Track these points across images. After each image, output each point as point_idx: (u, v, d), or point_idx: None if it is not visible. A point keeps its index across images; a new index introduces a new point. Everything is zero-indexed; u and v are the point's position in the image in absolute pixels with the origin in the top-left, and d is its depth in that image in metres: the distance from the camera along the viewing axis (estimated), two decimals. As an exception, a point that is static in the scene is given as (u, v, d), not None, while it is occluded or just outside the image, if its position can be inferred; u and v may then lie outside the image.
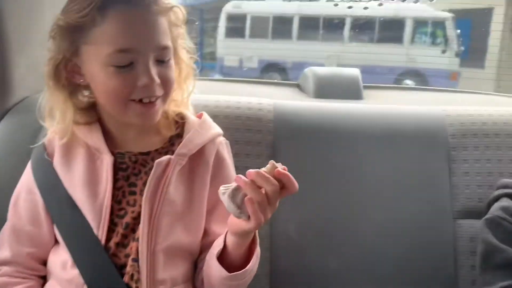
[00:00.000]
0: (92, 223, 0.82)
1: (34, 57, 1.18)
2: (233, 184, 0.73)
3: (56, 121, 0.86)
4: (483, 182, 1.13)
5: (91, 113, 0.89)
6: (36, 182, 0.87)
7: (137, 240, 0.81)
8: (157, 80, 0.79)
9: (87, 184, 0.84)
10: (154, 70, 0.79)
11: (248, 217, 0.71)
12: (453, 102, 1.37)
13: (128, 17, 0.78)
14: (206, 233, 0.89)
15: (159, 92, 0.81)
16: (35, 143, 0.95)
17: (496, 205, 1.03)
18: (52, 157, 0.88)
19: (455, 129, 1.16)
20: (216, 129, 0.94)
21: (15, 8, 1.14)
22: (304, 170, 1.14)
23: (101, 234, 0.82)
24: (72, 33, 0.79)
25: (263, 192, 0.71)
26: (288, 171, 1.14)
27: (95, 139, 0.86)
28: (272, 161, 0.74)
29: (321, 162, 1.15)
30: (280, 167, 0.73)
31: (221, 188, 0.74)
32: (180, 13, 0.86)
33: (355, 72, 1.51)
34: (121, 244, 0.83)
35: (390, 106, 1.28)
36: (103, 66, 0.78)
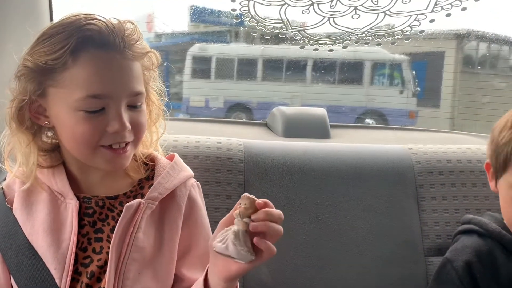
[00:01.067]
0: (55, 273, 0.77)
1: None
2: (229, 230, 0.69)
3: (17, 165, 0.82)
4: (450, 218, 1.16)
5: (55, 155, 0.85)
6: None
7: None
8: (128, 126, 0.77)
9: (49, 231, 0.79)
10: (125, 116, 0.77)
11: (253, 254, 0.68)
12: (414, 140, 1.41)
13: (101, 62, 0.75)
14: (178, 279, 0.85)
15: (129, 138, 0.78)
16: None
17: (453, 245, 1.04)
18: (11, 203, 0.83)
19: (422, 167, 1.19)
20: (188, 171, 0.92)
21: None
22: (276, 210, 1.13)
23: (64, 284, 0.76)
24: (40, 75, 0.75)
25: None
26: (260, 211, 1.14)
27: (59, 182, 0.82)
28: (246, 194, 0.70)
29: (291, 202, 1.14)
30: (252, 197, 0.70)
31: (218, 240, 0.69)
32: (154, 57, 0.85)
33: (321, 111, 1.54)
34: None
35: (357, 145, 1.30)
36: (72, 110, 0.75)
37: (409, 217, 1.15)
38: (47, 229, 0.79)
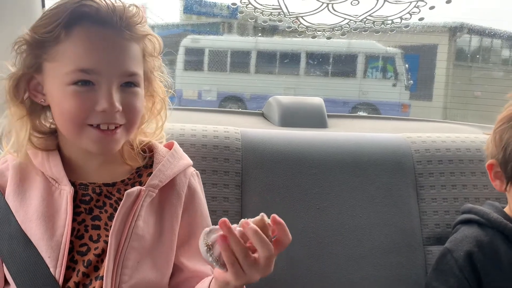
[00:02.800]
0: (49, 262, 0.74)
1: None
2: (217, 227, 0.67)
3: (11, 142, 0.80)
4: (450, 207, 1.15)
5: (51, 139, 0.82)
6: None
7: (101, 278, 0.74)
8: (118, 107, 0.74)
9: (43, 218, 0.76)
10: (116, 96, 0.74)
11: (225, 268, 0.65)
12: (410, 131, 1.40)
13: (94, 37, 0.74)
14: (178, 268, 0.83)
15: (120, 120, 0.76)
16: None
17: (453, 235, 1.03)
18: (3, 190, 0.80)
19: (421, 155, 1.18)
20: (187, 159, 0.90)
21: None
22: (273, 199, 1.12)
23: (58, 273, 0.74)
24: (36, 49, 0.75)
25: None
26: (256, 201, 1.12)
27: (54, 168, 0.79)
28: (262, 214, 0.66)
29: (289, 191, 1.13)
30: (267, 220, 0.66)
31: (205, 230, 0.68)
32: (157, 42, 0.83)
33: (318, 101, 1.52)
34: (82, 284, 0.75)
35: (355, 133, 1.29)
36: (62, 85, 0.74)
37: (408, 206, 1.14)
38: (41, 216, 0.76)
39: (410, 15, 1.23)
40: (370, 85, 6.30)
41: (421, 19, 1.24)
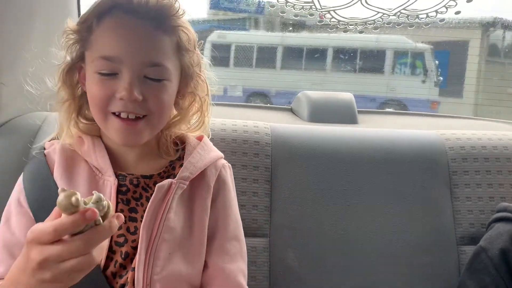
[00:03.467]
0: None
1: (22, 77, 1.14)
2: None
3: (58, 124, 0.84)
4: (485, 206, 1.11)
5: (96, 127, 0.84)
6: (28, 197, 0.79)
7: (134, 269, 0.75)
8: (137, 96, 0.74)
9: None
10: (137, 85, 0.74)
11: None
12: (445, 128, 1.36)
13: (121, 26, 0.75)
14: (206, 265, 0.83)
15: (139, 110, 0.75)
16: (20, 165, 0.89)
17: (487, 234, 1.00)
18: (51, 171, 0.82)
19: (456, 153, 1.14)
20: (217, 152, 0.90)
21: (4, 29, 1.10)
22: (302, 195, 1.11)
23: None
24: (79, 39, 0.79)
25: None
26: (286, 196, 1.12)
27: (100, 158, 0.81)
28: (98, 194, 0.59)
29: (319, 187, 1.12)
30: (105, 202, 0.59)
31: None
32: (190, 35, 0.81)
33: (349, 96, 1.50)
34: (118, 275, 0.76)
35: (387, 130, 1.26)
36: (91, 72, 0.76)
37: (441, 205, 1.11)
38: None
39: (446, 8, 1.20)
40: (399, 81, 6.19)
41: (457, 12, 1.20)
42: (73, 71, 0.82)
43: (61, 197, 0.56)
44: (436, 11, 1.22)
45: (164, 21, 0.77)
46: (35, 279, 0.59)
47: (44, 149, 0.86)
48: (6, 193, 0.85)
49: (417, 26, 1.34)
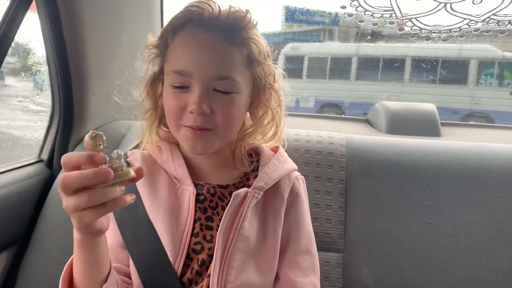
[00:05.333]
0: (170, 255, 0.77)
1: (110, 89, 1.22)
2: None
3: (141, 132, 0.89)
4: None
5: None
6: None
7: (209, 276, 0.75)
8: (205, 109, 0.74)
9: (169, 212, 0.79)
10: (207, 99, 0.75)
11: None
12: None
13: (193, 40, 0.76)
14: (277, 277, 0.81)
15: (206, 124, 0.76)
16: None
17: None
18: None
19: (555, 170, 1.03)
20: (292, 163, 0.89)
21: (98, 47, 1.18)
22: (380, 210, 1.06)
23: (177, 267, 0.76)
24: (158, 53, 0.82)
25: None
26: (362, 210, 1.07)
27: (178, 168, 0.83)
28: (119, 153, 0.61)
29: (398, 202, 1.06)
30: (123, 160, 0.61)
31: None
32: (262, 47, 0.81)
33: (431, 107, 1.42)
34: (194, 282, 0.77)
35: (474, 143, 1.17)
36: (167, 85, 0.79)
37: (538, 227, 1.01)
38: (168, 210, 0.80)
39: (545, 11, 1.09)
40: (484, 93, 5.78)
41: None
42: (157, 83, 0.86)
43: (88, 136, 0.60)
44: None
45: (234, 33, 0.77)
46: (74, 228, 0.63)
47: (127, 156, 0.91)
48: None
49: (509, 33, 1.24)
